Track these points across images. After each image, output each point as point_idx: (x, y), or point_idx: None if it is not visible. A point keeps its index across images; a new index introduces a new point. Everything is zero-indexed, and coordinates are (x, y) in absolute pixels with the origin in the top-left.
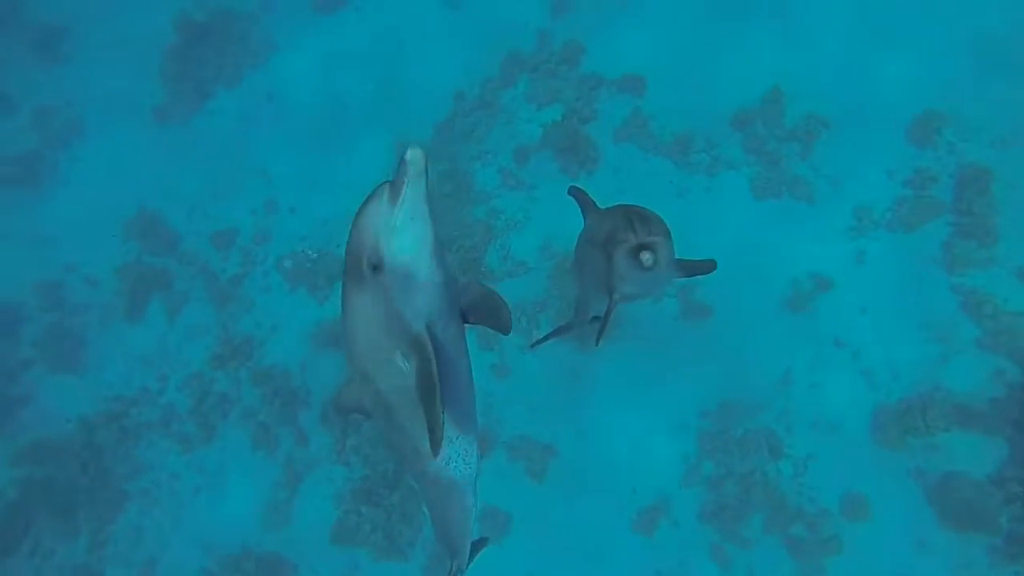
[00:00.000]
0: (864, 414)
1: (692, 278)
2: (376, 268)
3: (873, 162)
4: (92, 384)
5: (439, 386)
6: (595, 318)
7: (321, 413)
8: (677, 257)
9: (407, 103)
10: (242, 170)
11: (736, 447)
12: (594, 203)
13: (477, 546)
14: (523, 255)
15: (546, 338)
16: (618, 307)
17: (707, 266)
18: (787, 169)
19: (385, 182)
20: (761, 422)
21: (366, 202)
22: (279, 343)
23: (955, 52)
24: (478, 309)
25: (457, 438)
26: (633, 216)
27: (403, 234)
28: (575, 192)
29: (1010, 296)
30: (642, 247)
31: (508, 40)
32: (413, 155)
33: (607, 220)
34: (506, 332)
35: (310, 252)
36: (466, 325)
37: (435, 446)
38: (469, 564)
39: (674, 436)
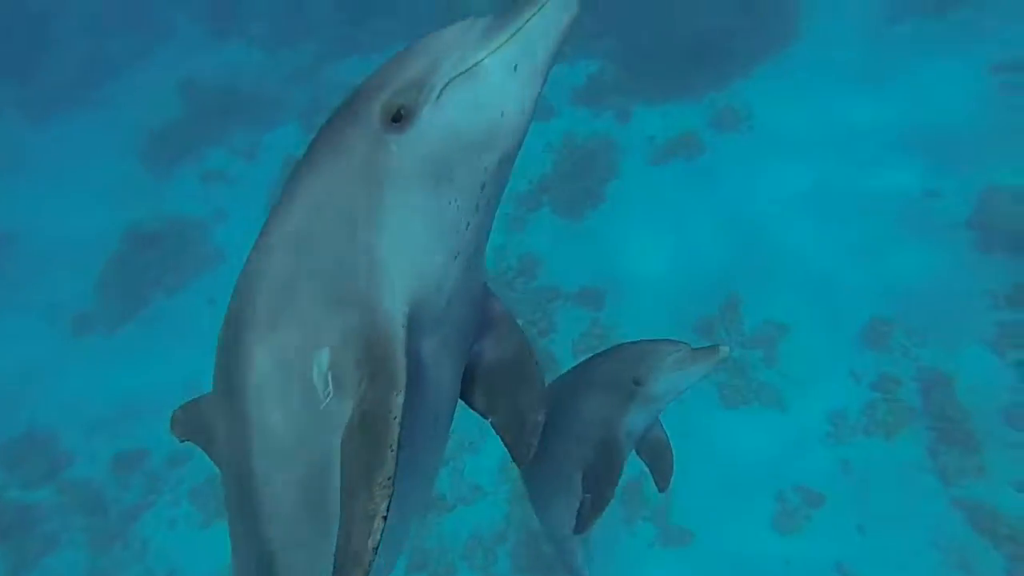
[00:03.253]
0: None
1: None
2: (397, 120)
3: (836, 365)
4: None
5: (395, 452)
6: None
7: None
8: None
9: None
10: (167, 383)
11: None
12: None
13: None
14: (478, 478)
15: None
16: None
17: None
18: (753, 376)
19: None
20: None
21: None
22: None
23: (896, 260)
24: (494, 363)
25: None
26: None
27: (484, 82)
28: None
29: (1020, 511)
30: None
31: None
32: None
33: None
34: (525, 455)
35: None
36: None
37: (351, 569)
38: None
39: None
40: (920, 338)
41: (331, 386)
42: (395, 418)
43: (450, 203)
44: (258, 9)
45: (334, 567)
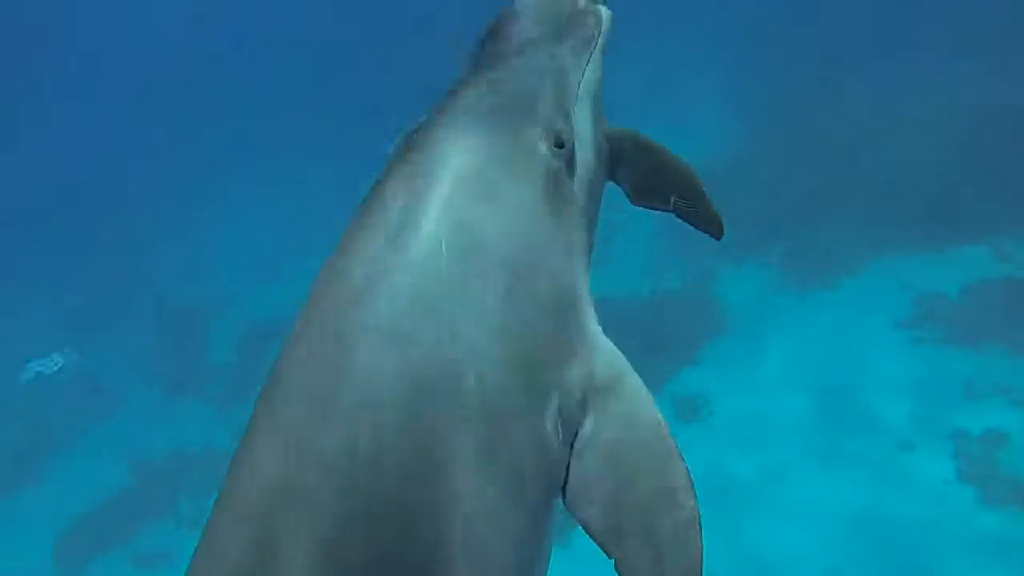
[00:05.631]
0: None
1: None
2: (559, 147)
3: None
4: None
5: None
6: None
7: None
8: None
9: None
10: None
11: None
12: None
13: None
14: None
15: None
16: None
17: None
18: None
19: None
20: None
21: None
22: None
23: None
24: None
25: None
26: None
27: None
28: None
29: None
30: None
31: None
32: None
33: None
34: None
35: None
36: None
37: None
38: None
39: None
40: None
41: (561, 435)
42: (664, 425)
43: (591, 220)
44: (212, 367)
45: None
